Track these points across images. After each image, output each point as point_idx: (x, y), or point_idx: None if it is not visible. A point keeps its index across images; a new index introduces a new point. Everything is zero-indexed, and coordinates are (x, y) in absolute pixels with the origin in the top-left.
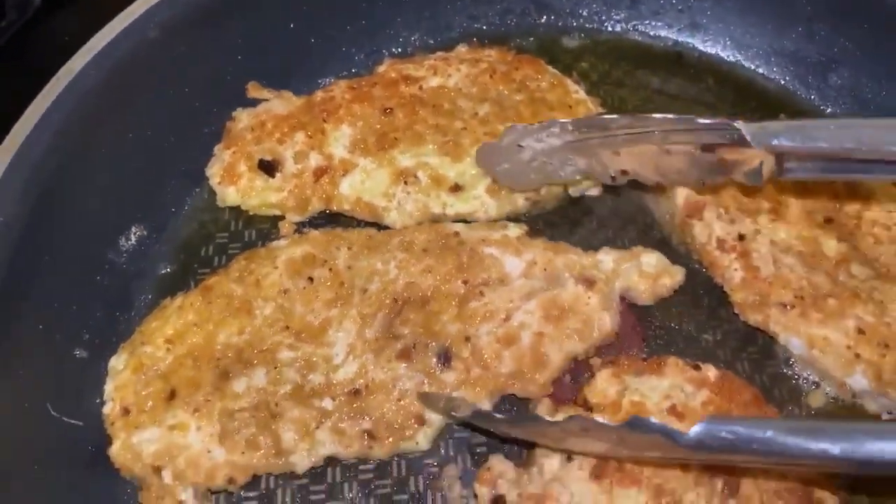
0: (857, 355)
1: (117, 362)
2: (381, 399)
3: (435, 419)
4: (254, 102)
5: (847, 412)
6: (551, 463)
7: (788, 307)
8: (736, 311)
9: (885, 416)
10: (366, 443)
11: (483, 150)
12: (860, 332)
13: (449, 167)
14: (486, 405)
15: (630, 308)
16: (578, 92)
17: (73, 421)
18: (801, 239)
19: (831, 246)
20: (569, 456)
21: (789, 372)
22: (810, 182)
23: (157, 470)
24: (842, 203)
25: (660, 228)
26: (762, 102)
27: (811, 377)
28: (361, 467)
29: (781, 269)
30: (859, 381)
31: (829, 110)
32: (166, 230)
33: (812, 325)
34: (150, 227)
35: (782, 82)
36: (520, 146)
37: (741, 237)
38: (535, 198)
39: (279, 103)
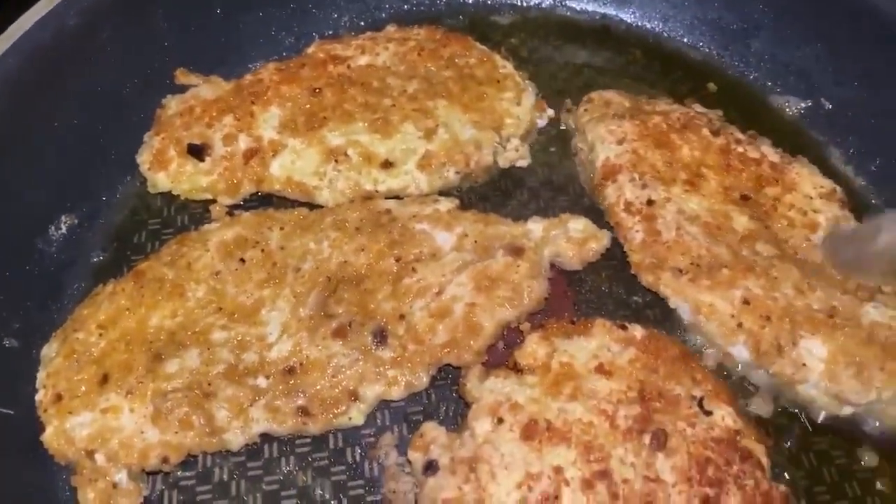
0: (740, 325)
1: (49, 350)
2: (315, 377)
3: (369, 395)
4: (184, 89)
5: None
6: (483, 426)
7: (682, 272)
8: (633, 272)
9: (768, 390)
10: (300, 419)
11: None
12: (746, 302)
13: (379, 144)
14: (423, 379)
15: (560, 274)
16: (506, 67)
17: (4, 410)
18: (711, 212)
19: (741, 222)
20: (499, 419)
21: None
22: (735, 161)
23: (91, 453)
24: (764, 185)
25: (588, 196)
26: (689, 72)
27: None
28: (298, 441)
29: (683, 236)
30: (741, 351)
31: (752, 76)
32: (98, 218)
33: (700, 292)
34: (80, 215)
35: (707, 51)
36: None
37: (650, 202)
38: (465, 170)
39: (208, 88)
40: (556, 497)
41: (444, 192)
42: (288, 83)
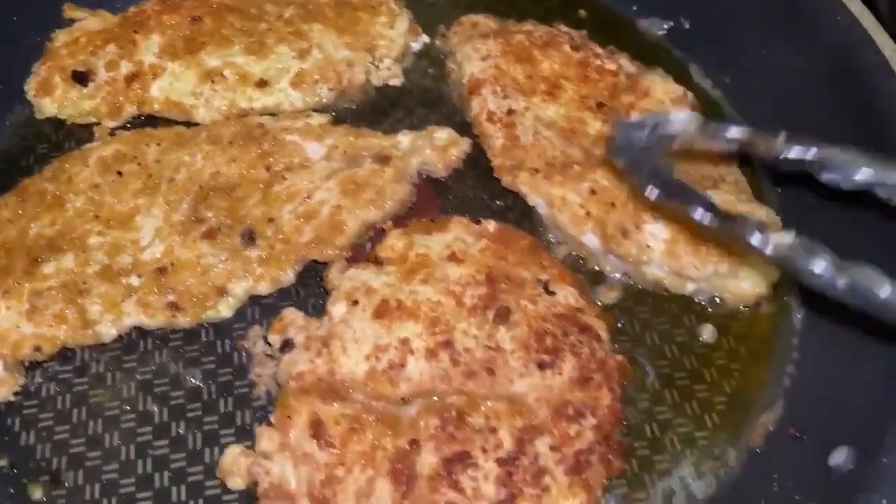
0: (588, 213)
1: None
2: (185, 275)
3: (237, 290)
4: (73, 24)
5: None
6: (339, 309)
7: (538, 171)
8: (496, 175)
9: (616, 277)
10: (171, 313)
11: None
12: (592, 192)
13: (254, 65)
14: (289, 275)
15: (428, 182)
16: None
17: None
18: (567, 118)
19: (595, 126)
20: (354, 301)
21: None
22: (592, 73)
23: None
24: (619, 94)
25: (460, 114)
26: (561, 1)
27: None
28: (171, 336)
29: (540, 140)
30: (591, 238)
31: (619, 1)
32: None
33: (553, 187)
34: None
35: None
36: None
37: (510, 111)
38: (338, 88)
39: (94, 21)
40: (402, 365)
41: (320, 111)
42: (169, 13)
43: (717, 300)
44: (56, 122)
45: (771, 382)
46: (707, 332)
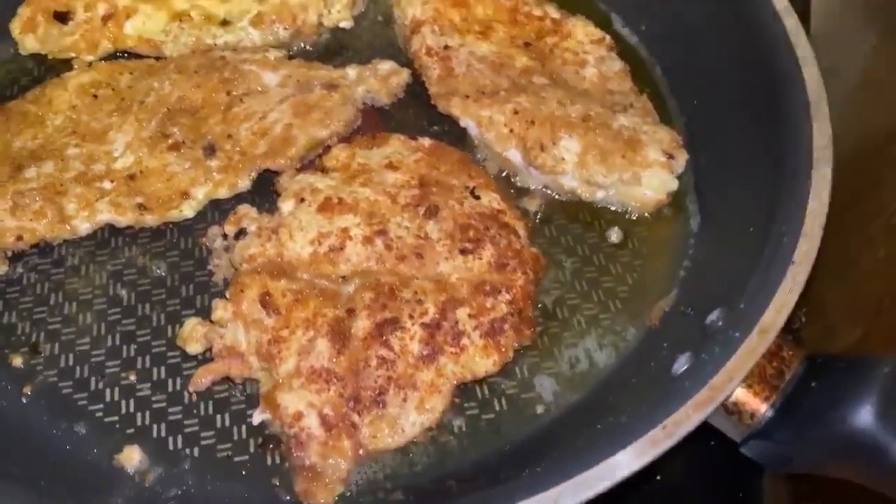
0: (511, 130)
1: None
2: (153, 180)
3: (199, 194)
4: None
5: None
6: (287, 206)
7: (469, 97)
8: (432, 102)
9: (540, 190)
10: (139, 213)
11: None
12: (515, 112)
13: (219, 7)
14: (246, 181)
15: (374, 110)
16: None
17: None
18: (498, 54)
19: (522, 61)
20: (301, 199)
21: None
22: (522, 17)
23: None
24: (544, 35)
25: (405, 55)
26: None
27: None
28: (140, 235)
29: (472, 71)
30: (514, 154)
31: None
32: None
33: (482, 109)
34: None
35: None
36: None
37: (446, 47)
38: (293, 27)
39: None
40: (341, 248)
41: (277, 49)
42: None
43: (624, 207)
44: (39, 58)
45: (668, 275)
46: (615, 235)
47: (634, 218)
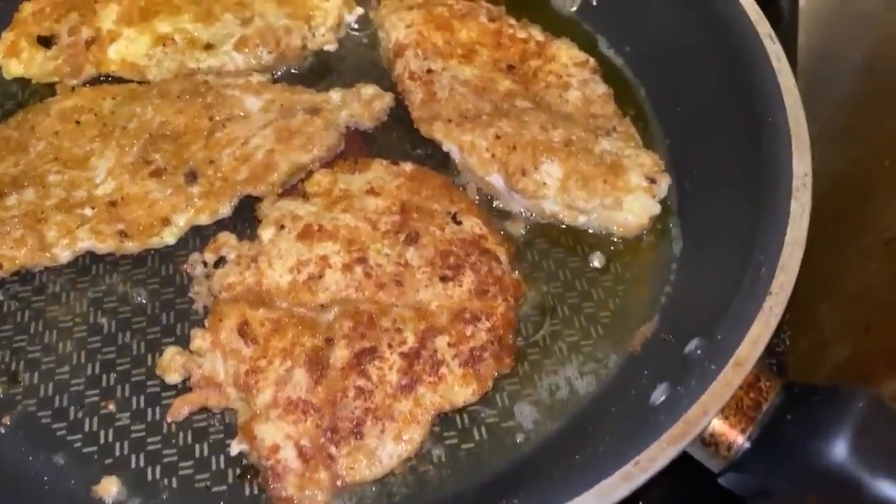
0: (493, 155)
1: None
2: (134, 207)
3: (179, 220)
4: None
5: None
6: (267, 234)
7: (451, 121)
8: (415, 126)
9: (522, 214)
10: (119, 240)
11: None
12: (497, 137)
13: (202, 31)
14: (227, 208)
15: (357, 134)
16: None
17: None
18: (480, 77)
19: (505, 84)
20: (281, 226)
21: None
22: (505, 40)
23: None
24: (528, 58)
25: (388, 78)
26: None
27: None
28: (121, 262)
29: (455, 96)
30: (496, 179)
31: None
32: None
33: (464, 133)
34: None
35: None
36: None
37: (429, 71)
38: (277, 51)
39: None
40: (321, 276)
41: (261, 72)
42: None
43: (606, 231)
44: (22, 82)
45: (650, 301)
46: (597, 259)
47: (617, 241)
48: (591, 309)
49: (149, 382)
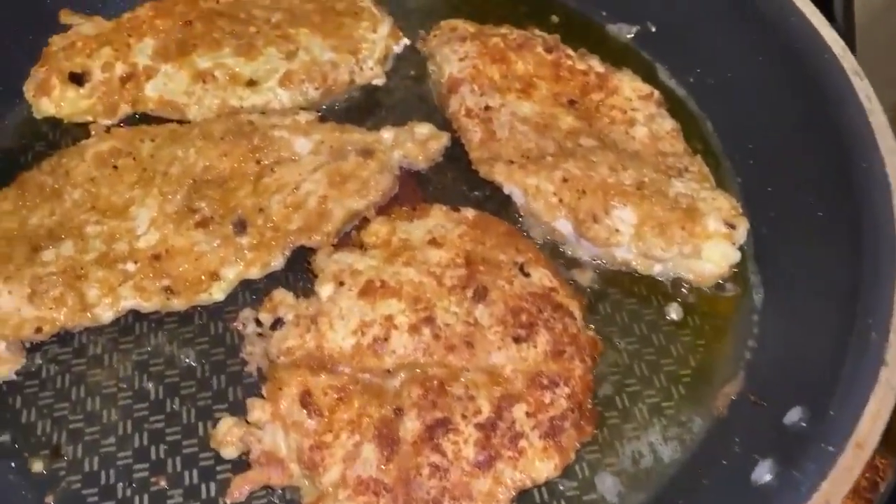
0: (560, 200)
1: None
2: (179, 261)
3: (229, 274)
4: (69, 29)
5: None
6: (326, 290)
7: (513, 163)
8: (474, 167)
9: (591, 261)
10: (165, 297)
11: None
12: (565, 181)
13: (244, 66)
14: (279, 260)
15: (411, 175)
16: (364, 1)
17: None
18: (541, 114)
19: (567, 121)
20: (341, 282)
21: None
22: (564, 73)
23: None
24: (590, 91)
25: (440, 113)
26: (533, 7)
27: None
28: (166, 319)
29: (515, 134)
30: (564, 224)
31: (588, 7)
32: None
33: (528, 176)
34: None
35: None
36: None
37: (487, 108)
38: (324, 87)
39: (90, 27)
40: (386, 339)
41: (307, 109)
42: (162, 17)
43: (683, 281)
44: (53, 121)
45: (733, 356)
46: (674, 311)
47: (693, 291)
48: (670, 366)
49: (202, 455)
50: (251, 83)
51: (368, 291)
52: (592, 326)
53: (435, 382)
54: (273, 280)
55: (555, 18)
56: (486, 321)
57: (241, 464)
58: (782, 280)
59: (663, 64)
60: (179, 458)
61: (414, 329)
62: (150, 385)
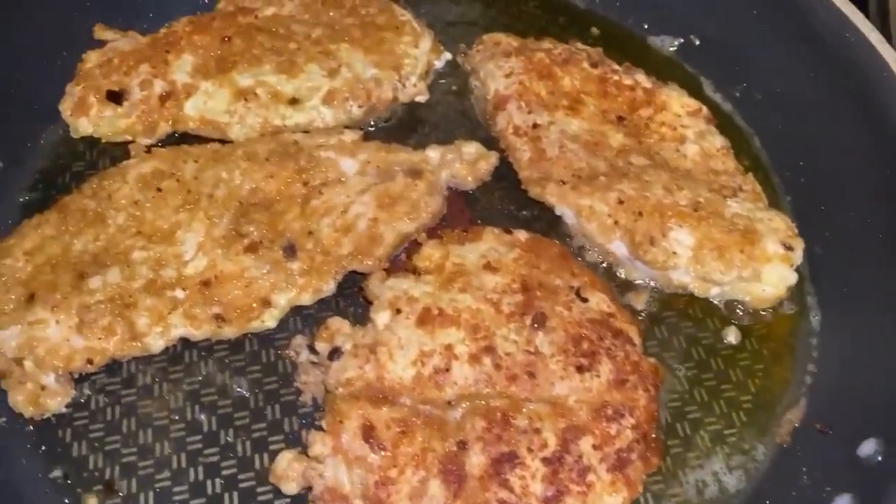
0: (616, 222)
1: None
2: (229, 287)
3: (280, 301)
4: (103, 45)
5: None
6: (382, 318)
7: (565, 183)
8: (523, 187)
9: (646, 283)
10: (216, 325)
11: None
12: (620, 202)
13: (286, 83)
14: (330, 285)
15: (458, 195)
16: (405, 15)
17: None
18: (590, 132)
19: (617, 139)
20: (397, 310)
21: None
22: (611, 88)
23: (19, 361)
24: (638, 107)
25: (485, 129)
26: (573, 19)
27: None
28: (216, 347)
29: (566, 153)
30: (619, 246)
31: (630, 20)
32: (23, 162)
33: (581, 197)
34: (6, 159)
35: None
36: None
37: (535, 126)
38: (367, 104)
39: (125, 42)
40: (447, 369)
41: (350, 127)
42: (200, 33)
43: (737, 303)
44: (90, 141)
45: (793, 381)
46: (731, 335)
47: (748, 314)
48: (730, 392)
49: (259, 489)
50: (293, 101)
51: (426, 320)
52: (648, 351)
53: (498, 415)
54: (322, 304)
55: (595, 31)
56: (546, 350)
57: (299, 499)
58: (840, 301)
59: (708, 78)
60: (237, 493)
61: (474, 359)
62: (203, 416)
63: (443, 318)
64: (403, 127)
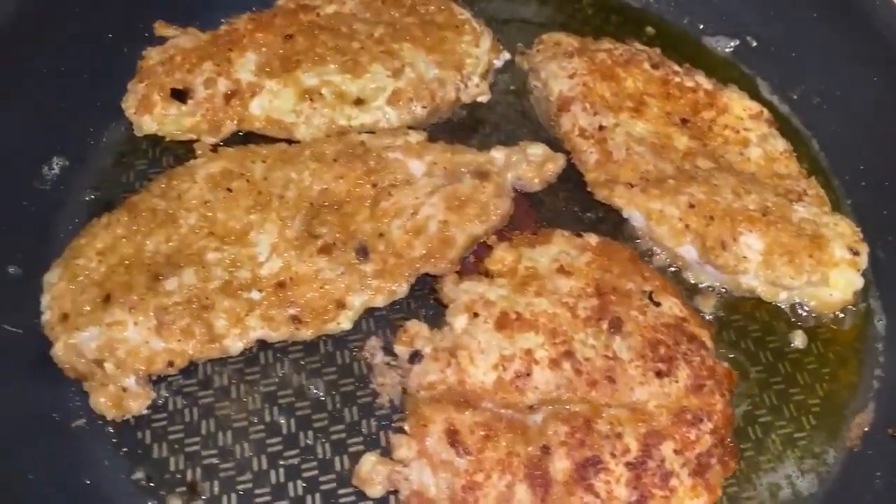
0: (687, 226)
1: (51, 276)
2: (304, 289)
3: (355, 303)
4: (163, 41)
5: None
6: (460, 321)
7: (633, 185)
8: (589, 189)
9: (711, 287)
10: (293, 326)
11: None
12: (691, 206)
13: (351, 83)
14: (403, 287)
15: (523, 196)
16: (464, 14)
17: (13, 329)
18: (656, 134)
19: (682, 141)
20: (475, 314)
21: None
22: (674, 90)
23: (100, 363)
24: (700, 110)
25: (546, 130)
26: (628, 19)
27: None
28: (291, 349)
29: (633, 155)
30: (689, 250)
31: (685, 20)
32: (87, 161)
33: (650, 200)
34: (71, 157)
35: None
36: None
37: (601, 128)
38: (431, 105)
39: (186, 39)
40: (528, 374)
41: (413, 128)
42: (262, 31)
43: (803, 306)
44: (153, 139)
45: (861, 386)
46: (798, 339)
47: (814, 318)
48: (799, 396)
49: (340, 491)
50: (359, 101)
51: (505, 324)
52: (718, 355)
53: (580, 419)
54: (394, 306)
55: (650, 30)
56: (625, 355)
57: (381, 501)
58: None
59: (765, 79)
60: (319, 495)
61: (555, 364)
62: (282, 419)
63: (521, 323)
64: (464, 127)
